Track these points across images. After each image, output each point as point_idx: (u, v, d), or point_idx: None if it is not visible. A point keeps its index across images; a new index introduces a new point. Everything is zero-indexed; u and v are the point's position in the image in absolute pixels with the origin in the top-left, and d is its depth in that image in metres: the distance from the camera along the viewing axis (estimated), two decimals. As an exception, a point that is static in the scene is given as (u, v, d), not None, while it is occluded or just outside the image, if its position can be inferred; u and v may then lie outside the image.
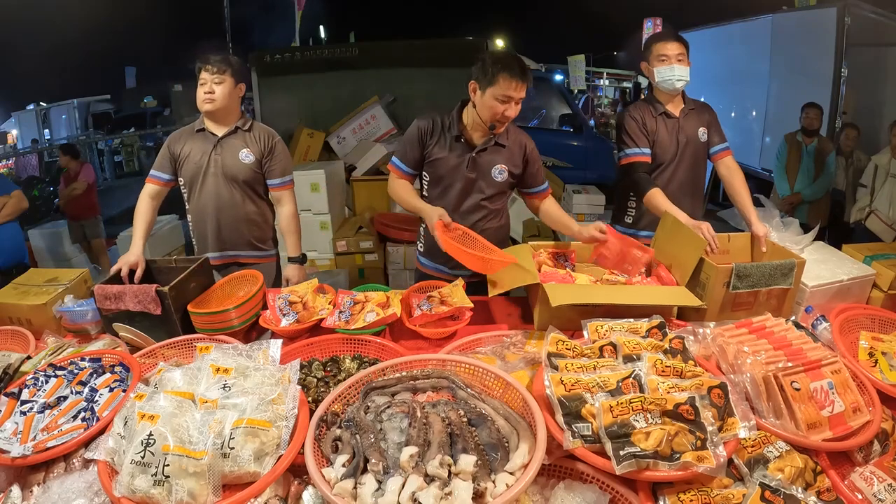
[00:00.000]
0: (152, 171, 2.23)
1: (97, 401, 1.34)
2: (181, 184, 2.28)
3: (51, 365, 1.45)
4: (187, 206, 2.32)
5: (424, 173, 2.11)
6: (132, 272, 1.91)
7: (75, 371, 1.43)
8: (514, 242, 2.16)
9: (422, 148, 2.03)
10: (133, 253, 1.95)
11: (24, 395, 1.34)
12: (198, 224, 2.31)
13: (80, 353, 1.56)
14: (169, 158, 2.23)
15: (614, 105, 15.45)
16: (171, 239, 4.96)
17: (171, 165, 2.23)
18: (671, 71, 2.17)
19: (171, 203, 2.38)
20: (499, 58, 1.87)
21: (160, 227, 4.66)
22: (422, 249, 2.24)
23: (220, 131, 2.22)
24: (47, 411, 1.30)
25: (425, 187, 2.14)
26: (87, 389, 1.36)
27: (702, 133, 2.28)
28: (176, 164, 2.24)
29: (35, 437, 1.23)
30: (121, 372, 1.45)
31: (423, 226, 2.19)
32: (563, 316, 1.53)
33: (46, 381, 1.38)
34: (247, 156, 2.22)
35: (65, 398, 1.33)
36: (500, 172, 2.02)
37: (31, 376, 1.40)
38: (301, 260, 2.35)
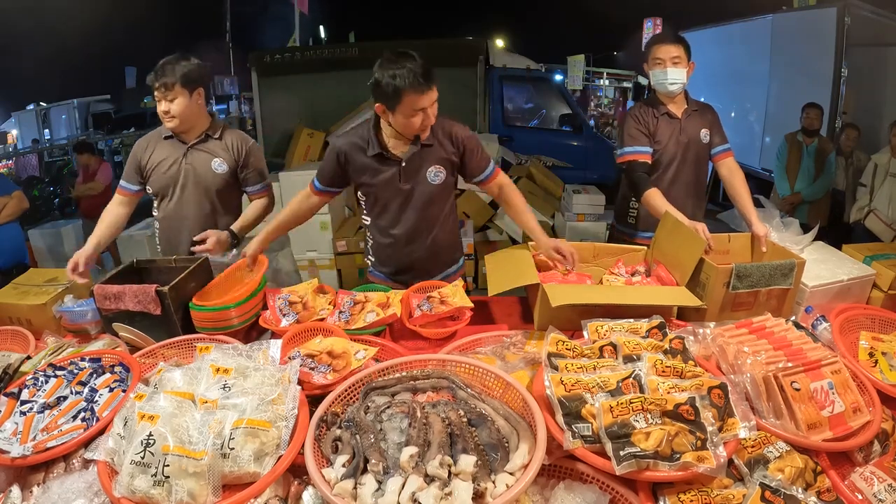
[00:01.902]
0: (121, 182, 2.14)
1: (97, 401, 1.34)
2: (150, 192, 2.18)
3: (51, 365, 1.45)
4: (155, 214, 2.23)
5: (361, 196, 1.99)
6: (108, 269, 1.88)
7: (75, 371, 1.42)
8: (514, 242, 2.15)
9: (341, 168, 1.90)
10: (85, 249, 1.92)
11: (24, 395, 1.34)
12: (166, 233, 2.22)
13: (79, 353, 1.56)
14: (136, 168, 2.13)
15: (616, 105, 15.48)
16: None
17: (137, 175, 2.13)
18: (664, 75, 2.18)
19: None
20: (395, 72, 1.63)
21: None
22: (372, 260, 2.13)
23: (189, 139, 2.12)
24: (47, 411, 1.30)
25: (364, 211, 2.03)
26: (86, 389, 1.36)
27: (704, 134, 2.29)
28: (143, 173, 2.14)
29: (35, 437, 1.23)
30: (121, 372, 1.45)
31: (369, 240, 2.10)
32: (563, 316, 1.53)
33: (46, 381, 1.38)
34: (219, 165, 2.13)
35: (65, 398, 1.33)
36: (435, 175, 1.87)
37: (30, 376, 1.40)
38: (233, 236, 2.11)
